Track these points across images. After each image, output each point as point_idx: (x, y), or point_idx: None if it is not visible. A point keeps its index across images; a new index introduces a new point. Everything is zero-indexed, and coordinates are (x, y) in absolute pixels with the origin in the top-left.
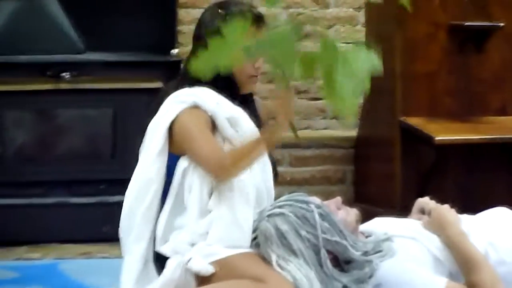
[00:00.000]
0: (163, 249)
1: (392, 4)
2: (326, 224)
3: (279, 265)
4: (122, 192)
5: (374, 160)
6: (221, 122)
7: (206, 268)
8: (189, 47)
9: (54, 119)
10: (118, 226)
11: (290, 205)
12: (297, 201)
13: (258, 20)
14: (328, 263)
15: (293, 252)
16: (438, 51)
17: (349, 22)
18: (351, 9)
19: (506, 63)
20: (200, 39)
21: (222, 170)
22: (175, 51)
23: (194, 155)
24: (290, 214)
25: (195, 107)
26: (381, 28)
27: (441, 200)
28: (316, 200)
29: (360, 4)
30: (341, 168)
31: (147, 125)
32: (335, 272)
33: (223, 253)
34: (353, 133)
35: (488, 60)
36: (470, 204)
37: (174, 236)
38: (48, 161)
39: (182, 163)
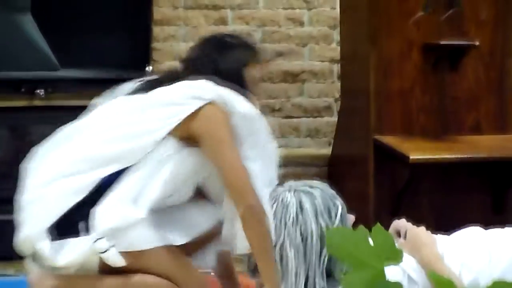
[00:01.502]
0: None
1: (366, 22)
2: (340, 225)
3: (281, 246)
4: None
5: (348, 178)
6: (238, 119)
7: (121, 261)
8: (164, 64)
9: (28, 136)
10: None
11: (322, 189)
12: (327, 191)
13: (259, 53)
14: (325, 261)
15: (302, 235)
16: (412, 69)
17: (324, 40)
18: (326, 27)
19: (480, 82)
20: (196, 68)
21: (256, 209)
22: (149, 68)
23: (226, 169)
24: (318, 197)
25: (218, 104)
26: (355, 47)
27: (416, 219)
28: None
29: (335, 22)
30: None
31: None
32: (323, 273)
33: (141, 245)
34: (327, 151)
35: (463, 79)
36: (444, 222)
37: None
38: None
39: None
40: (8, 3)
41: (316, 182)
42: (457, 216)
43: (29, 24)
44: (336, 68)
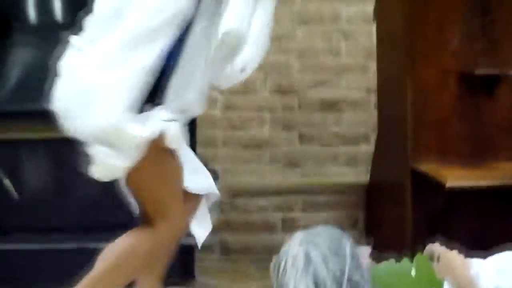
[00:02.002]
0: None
1: (402, 52)
2: (353, 263)
3: None
4: None
5: (385, 205)
6: None
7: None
8: None
9: (69, 166)
10: None
11: (325, 235)
12: (332, 234)
13: None
14: None
15: (316, 282)
16: (448, 98)
17: (360, 70)
18: (362, 58)
19: None
20: None
21: None
22: None
23: None
24: (323, 244)
25: None
26: (392, 76)
27: (451, 244)
28: (349, 239)
29: (371, 52)
30: (353, 213)
31: None
32: None
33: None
34: (364, 179)
35: (499, 106)
36: (480, 248)
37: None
38: (64, 207)
39: None
40: (50, 37)
41: (320, 227)
42: (493, 241)
43: None
44: (373, 97)
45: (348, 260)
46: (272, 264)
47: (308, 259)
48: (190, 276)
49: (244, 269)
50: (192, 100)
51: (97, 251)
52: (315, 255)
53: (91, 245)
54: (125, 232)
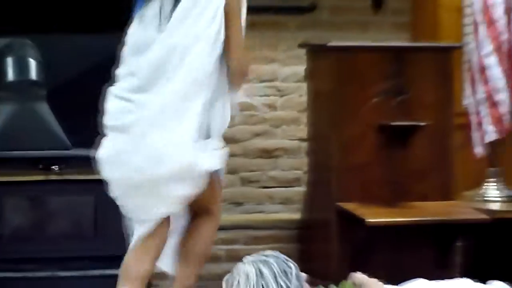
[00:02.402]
0: None
1: (328, 108)
2: (297, 283)
3: None
4: (103, 267)
5: (315, 239)
6: None
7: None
8: None
9: (45, 205)
10: None
11: (275, 257)
12: (279, 257)
13: None
14: None
15: None
16: (369, 147)
17: (294, 122)
18: (295, 112)
19: (427, 157)
20: None
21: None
22: None
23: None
24: (274, 263)
25: None
26: (320, 128)
27: (372, 274)
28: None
29: (303, 107)
30: (288, 246)
31: None
32: None
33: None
34: (297, 216)
35: (411, 154)
36: (396, 276)
37: None
38: (40, 240)
39: None
40: (28, 95)
41: (269, 252)
42: (407, 271)
43: (45, 111)
44: (305, 146)
45: (294, 279)
46: (224, 281)
47: (260, 275)
48: None
49: None
50: (223, 126)
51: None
52: (267, 272)
53: (62, 273)
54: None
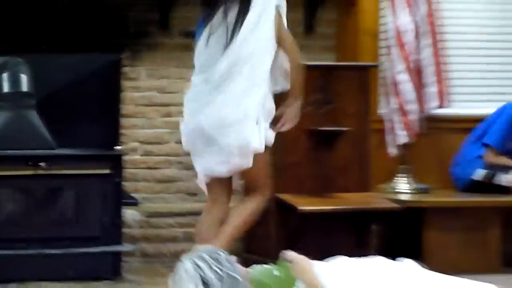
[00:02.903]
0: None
1: None
2: (229, 265)
3: None
4: (82, 246)
5: (258, 224)
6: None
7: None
8: (128, 144)
9: (34, 195)
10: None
11: (206, 249)
12: (209, 248)
13: None
14: None
15: (205, 282)
16: (302, 147)
17: None
18: None
19: (349, 156)
20: None
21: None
22: (118, 147)
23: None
24: (205, 255)
25: None
26: None
27: (303, 253)
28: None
29: None
30: None
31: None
32: None
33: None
34: None
35: (336, 154)
36: (324, 255)
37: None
38: (30, 224)
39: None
40: (20, 104)
41: (201, 248)
42: (332, 250)
43: (34, 118)
44: None
45: (225, 263)
46: (170, 279)
47: (197, 267)
48: (118, 274)
49: (157, 268)
50: (270, 109)
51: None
52: (202, 264)
53: (48, 251)
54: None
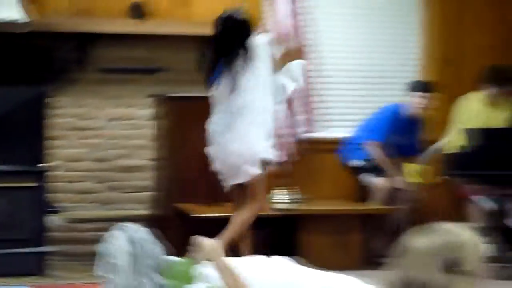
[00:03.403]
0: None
1: (169, 138)
2: (151, 238)
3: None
4: (16, 247)
5: (159, 228)
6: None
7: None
8: (54, 162)
9: None
10: None
11: (128, 224)
12: (133, 226)
13: None
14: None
15: (130, 241)
16: (196, 166)
17: (146, 148)
18: (146, 141)
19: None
20: None
21: None
22: (44, 164)
23: None
24: (130, 226)
25: None
26: (163, 153)
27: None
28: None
29: (152, 138)
30: None
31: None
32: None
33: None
34: (147, 212)
35: None
36: None
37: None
38: None
39: None
40: None
41: (125, 224)
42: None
43: None
44: (152, 164)
45: (147, 235)
46: (100, 248)
47: (123, 230)
48: (42, 271)
49: (76, 266)
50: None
51: None
52: (128, 228)
53: None
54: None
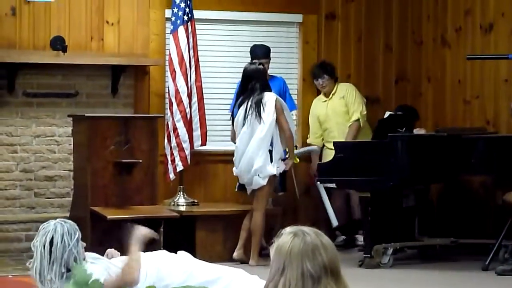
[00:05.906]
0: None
1: (85, 151)
2: (79, 235)
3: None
4: None
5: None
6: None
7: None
8: None
9: None
10: None
11: (64, 222)
12: (65, 221)
13: None
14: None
15: (51, 240)
16: (109, 174)
17: (66, 160)
18: (67, 154)
19: (143, 180)
20: None
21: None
22: None
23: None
24: (65, 225)
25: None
26: (81, 163)
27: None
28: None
29: (71, 151)
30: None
31: None
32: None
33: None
34: (67, 214)
35: (134, 178)
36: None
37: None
38: None
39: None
40: None
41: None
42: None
43: None
44: (72, 173)
45: (75, 232)
46: (32, 245)
47: (54, 232)
48: None
49: (7, 261)
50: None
51: None
52: (60, 229)
53: None
54: None
